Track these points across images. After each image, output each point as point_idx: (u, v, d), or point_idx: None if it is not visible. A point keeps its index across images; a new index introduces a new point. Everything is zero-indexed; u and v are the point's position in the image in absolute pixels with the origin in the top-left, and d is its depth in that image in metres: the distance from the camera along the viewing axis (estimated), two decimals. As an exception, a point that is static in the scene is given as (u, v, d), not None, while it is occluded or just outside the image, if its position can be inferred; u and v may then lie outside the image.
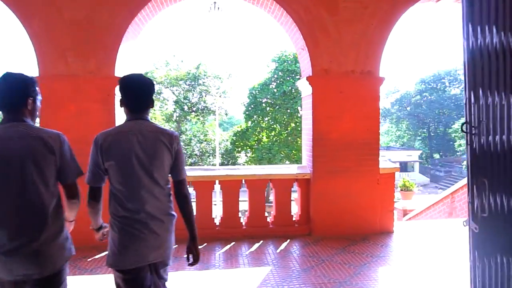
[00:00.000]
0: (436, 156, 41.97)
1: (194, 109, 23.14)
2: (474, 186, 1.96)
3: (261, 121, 20.48)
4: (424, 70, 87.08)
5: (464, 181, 6.21)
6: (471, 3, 1.96)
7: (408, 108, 42.23)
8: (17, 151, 1.54)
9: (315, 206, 4.45)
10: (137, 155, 1.70)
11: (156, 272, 1.81)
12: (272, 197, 4.71)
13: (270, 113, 20.23)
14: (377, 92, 4.57)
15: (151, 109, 1.87)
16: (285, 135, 19.93)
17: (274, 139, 20.15)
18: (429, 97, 40.79)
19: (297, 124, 19.51)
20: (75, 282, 3.12)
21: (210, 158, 21.67)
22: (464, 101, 2.00)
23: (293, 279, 3.21)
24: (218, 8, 4.95)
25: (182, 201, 1.83)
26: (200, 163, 21.21)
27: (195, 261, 1.85)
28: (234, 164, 21.72)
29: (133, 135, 1.71)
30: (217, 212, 10.77)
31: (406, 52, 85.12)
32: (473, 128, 1.95)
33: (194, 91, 22.84)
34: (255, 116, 20.46)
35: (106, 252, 1.80)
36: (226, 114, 24.94)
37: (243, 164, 22.04)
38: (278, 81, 19.92)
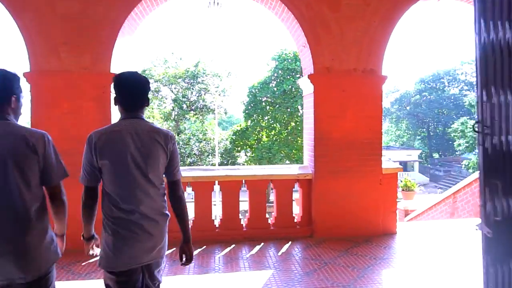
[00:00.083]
0: (436, 155, 41.97)
1: (193, 107, 22.99)
2: (487, 188, 1.85)
3: (261, 120, 20.37)
4: (424, 69, 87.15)
5: (466, 181, 6.12)
6: (484, -3, 1.85)
7: (408, 108, 42.21)
8: None
9: (317, 207, 4.35)
10: (132, 155, 1.66)
11: (149, 274, 1.75)
12: (272, 198, 4.59)
13: (270, 112, 20.12)
14: (379, 91, 4.48)
15: (146, 107, 1.83)
16: (285, 134, 19.83)
17: (274, 138, 20.05)
18: (429, 97, 40.77)
19: (297, 123, 19.41)
20: (69, 287, 3.00)
21: (209, 158, 21.55)
22: (476, 99, 1.89)
23: (295, 283, 3.11)
24: (218, 3, 4.83)
25: (176, 202, 1.81)
26: (199, 163, 21.08)
27: (188, 261, 1.84)
28: (233, 163, 21.61)
29: (128, 134, 1.68)
30: (217, 212, 10.70)
31: (406, 51, 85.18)
32: (485, 128, 1.84)
33: (193, 89, 22.70)
34: (254, 115, 20.35)
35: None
36: (226, 113, 24.82)
37: (243, 164, 21.93)
38: (278, 80, 19.82)
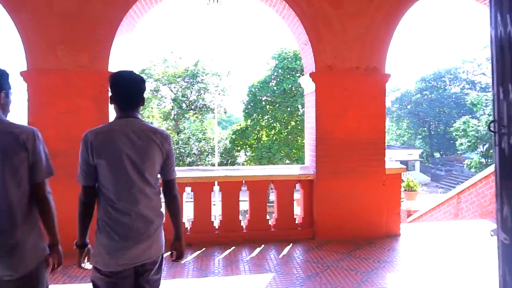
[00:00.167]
0: (437, 155, 41.85)
1: (192, 107, 22.92)
2: (503, 192, 1.77)
3: (261, 120, 20.29)
4: (425, 68, 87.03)
5: (471, 181, 6.03)
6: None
7: (409, 107, 42.07)
8: None
9: (318, 208, 4.27)
10: (128, 154, 1.65)
11: (144, 273, 1.72)
12: (272, 198, 4.50)
13: (270, 111, 20.04)
14: (382, 89, 4.40)
15: (142, 107, 1.82)
16: (285, 133, 19.74)
17: (274, 137, 19.96)
18: (430, 96, 40.61)
19: (297, 122, 19.33)
20: (64, 290, 2.93)
21: (208, 157, 21.46)
22: (492, 97, 1.80)
23: (297, 287, 3.03)
24: (217, 1, 4.74)
25: (172, 201, 1.82)
26: (199, 162, 20.99)
27: (179, 258, 1.86)
28: (233, 163, 21.53)
29: (124, 133, 1.67)
30: (216, 212, 10.62)
31: (407, 50, 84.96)
32: (502, 127, 1.75)
33: (192, 88, 22.62)
34: (254, 115, 20.26)
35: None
36: (225, 112, 24.74)
37: (243, 163, 21.84)
38: (278, 79, 19.72)
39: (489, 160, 26.61)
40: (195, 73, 22.32)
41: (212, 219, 4.29)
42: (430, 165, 38.58)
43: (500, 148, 1.80)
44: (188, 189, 4.30)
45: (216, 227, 4.24)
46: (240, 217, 4.33)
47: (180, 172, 4.23)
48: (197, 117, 23.36)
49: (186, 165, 20.55)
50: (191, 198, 4.28)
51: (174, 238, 1.84)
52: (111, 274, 1.63)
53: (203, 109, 22.98)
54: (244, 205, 5.34)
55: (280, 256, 3.75)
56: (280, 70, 19.64)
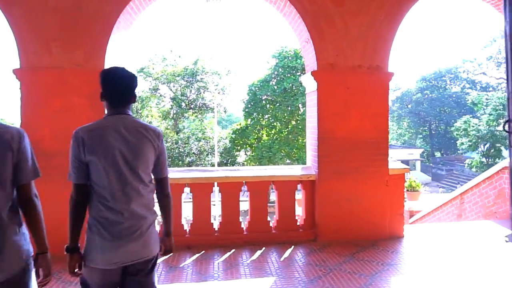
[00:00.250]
0: (438, 154, 41.74)
1: (192, 106, 22.81)
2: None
3: (261, 119, 20.19)
4: (425, 67, 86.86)
5: (474, 181, 5.93)
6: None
7: (409, 106, 41.97)
8: None
9: (320, 210, 4.17)
10: (121, 151, 1.63)
11: (136, 272, 1.70)
12: (272, 198, 4.41)
13: (270, 111, 19.94)
14: (385, 88, 4.30)
15: (133, 104, 1.79)
16: (286, 133, 19.64)
17: (274, 137, 19.86)
18: (430, 95, 40.50)
19: (298, 122, 19.23)
20: (58, 295, 2.83)
21: (208, 157, 21.34)
22: (507, 95, 1.70)
23: (298, 292, 2.93)
24: (217, -3, 4.64)
25: (164, 200, 1.83)
26: (198, 162, 20.88)
27: (168, 252, 1.87)
28: (233, 163, 21.43)
29: (116, 130, 1.64)
30: (216, 213, 10.52)
31: (407, 49, 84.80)
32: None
33: (192, 87, 22.51)
34: (254, 114, 20.16)
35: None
36: (225, 112, 24.64)
37: (243, 163, 21.73)
38: (278, 78, 19.62)
39: (490, 160, 26.55)
40: (195, 72, 22.21)
41: (212, 220, 4.19)
42: (431, 164, 38.49)
43: (516, 148, 1.70)
44: (187, 190, 4.21)
45: (216, 229, 4.15)
46: (240, 218, 4.23)
47: (179, 173, 4.13)
48: (196, 116, 23.26)
49: (185, 165, 20.46)
50: (190, 198, 4.18)
51: (164, 234, 1.86)
52: (102, 270, 1.62)
53: (202, 108, 22.88)
54: (244, 205, 5.25)
55: (282, 259, 3.65)
56: (280, 69, 19.54)
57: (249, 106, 20.32)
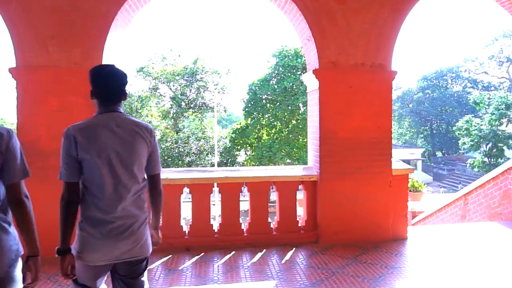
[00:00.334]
0: (439, 154, 41.60)
1: (191, 105, 22.75)
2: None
3: (261, 118, 20.11)
4: (426, 67, 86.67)
5: (478, 182, 5.85)
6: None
7: (410, 106, 41.85)
8: None
9: (322, 211, 4.09)
10: (114, 149, 1.62)
11: (128, 271, 1.69)
12: (273, 198, 4.33)
13: (270, 110, 19.86)
14: (389, 87, 4.23)
15: (123, 101, 1.76)
16: (286, 132, 19.56)
17: (274, 136, 19.78)
18: (432, 95, 40.37)
19: (298, 121, 19.16)
20: (54, 300, 2.76)
21: (208, 157, 21.28)
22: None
23: (300, 296, 2.86)
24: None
25: (156, 195, 1.84)
26: (198, 162, 20.82)
27: (155, 244, 1.86)
28: (233, 162, 21.36)
29: (108, 128, 1.63)
30: (215, 214, 10.44)
31: (408, 48, 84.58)
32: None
33: (191, 87, 22.44)
34: (255, 113, 20.08)
35: None
36: (225, 111, 24.57)
37: (243, 163, 21.66)
38: (278, 77, 19.54)
39: (492, 160, 26.43)
40: (195, 71, 22.14)
41: (212, 221, 4.12)
42: (432, 164, 38.37)
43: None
44: (186, 190, 4.13)
45: (216, 230, 4.07)
46: (240, 219, 4.16)
47: (178, 173, 4.06)
48: (196, 115, 23.20)
49: (185, 164, 20.40)
50: (189, 199, 4.10)
51: (153, 227, 1.86)
52: (93, 267, 1.63)
53: (202, 107, 22.82)
54: (243, 205, 5.17)
55: (283, 261, 3.58)
56: (280, 68, 19.46)
57: (249, 105, 20.24)
